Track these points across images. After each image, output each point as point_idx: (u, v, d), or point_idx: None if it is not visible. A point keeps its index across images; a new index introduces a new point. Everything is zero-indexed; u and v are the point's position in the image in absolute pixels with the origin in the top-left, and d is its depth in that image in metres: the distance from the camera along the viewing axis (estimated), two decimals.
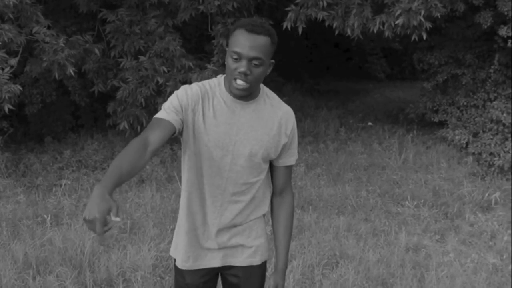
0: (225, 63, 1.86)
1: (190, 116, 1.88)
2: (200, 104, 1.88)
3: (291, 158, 2.05)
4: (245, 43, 1.78)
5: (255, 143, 1.93)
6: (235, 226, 2.03)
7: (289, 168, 2.07)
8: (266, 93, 1.99)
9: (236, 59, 1.80)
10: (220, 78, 1.97)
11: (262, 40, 1.80)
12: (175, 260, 2.11)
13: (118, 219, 1.49)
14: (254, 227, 2.08)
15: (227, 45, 1.87)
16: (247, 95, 1.88)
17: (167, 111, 1.83)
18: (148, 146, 1.67)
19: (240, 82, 1.82)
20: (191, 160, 1.95)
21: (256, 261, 2.10)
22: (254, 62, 1.79)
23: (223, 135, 1.91)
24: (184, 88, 1.91)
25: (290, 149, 2.03)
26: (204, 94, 1.90)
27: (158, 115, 1.83)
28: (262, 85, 1.99)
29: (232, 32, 1.83)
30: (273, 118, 1.96)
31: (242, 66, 1.78)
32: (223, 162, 1.93)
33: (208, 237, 2.02)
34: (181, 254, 2.07)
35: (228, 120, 1.91)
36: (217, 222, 2.00)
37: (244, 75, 1.79)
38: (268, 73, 1.89)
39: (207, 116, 1.90)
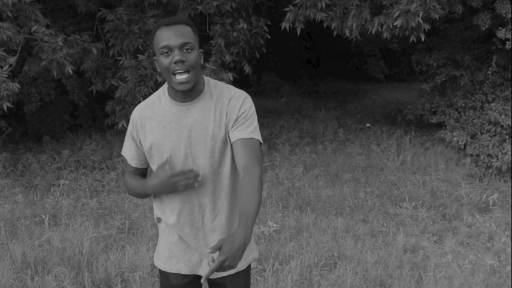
0: (157, 69, 1.87)
1: (139, 142, 1.99)
2: (139, 129, 1.96)
3: (245, 131, 1.86)
4: (169, 35, 1.80)
5: (209, 139, 1.90)
6: (221, 227, 1.99)
7: (246, 142, 1.84)
8: (214, 85, 1.96)
9: (166, 53, 1.81)
10: (165, 87, 1.97)
11: (183, 27, 1.83)
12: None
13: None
14: None
15: (153, 53, 1.92)
16: (192, 87, 1.85)
17: (128, 153, 2.05)
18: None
19: (180, 77, 1.81)
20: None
21: (242, 266, 2.06)
22: (185, 47, 1.81)
23: (177, 142, 1.90)
24: (130, 119, 2.03)
25: (241, 124, 1.87)
26: (143, 115, 1.96)
27: (127, 158, 2.07)
28: (207, 79, 1.97)
29: (153, 35, 1.86)
30: (220, 108, 1.91)
31: (176, 55, 1.79)
32: (186, 167, 1.91)
33: (196, 242, 2.01)
34: (164, 256, 2.08)
35: (176, 126, 1.91)
36: (203, 225, 1.98)
37: (181, 63, 1.79)
38: (201, 62, 1.89)
39: (154, 130, 1.93)
